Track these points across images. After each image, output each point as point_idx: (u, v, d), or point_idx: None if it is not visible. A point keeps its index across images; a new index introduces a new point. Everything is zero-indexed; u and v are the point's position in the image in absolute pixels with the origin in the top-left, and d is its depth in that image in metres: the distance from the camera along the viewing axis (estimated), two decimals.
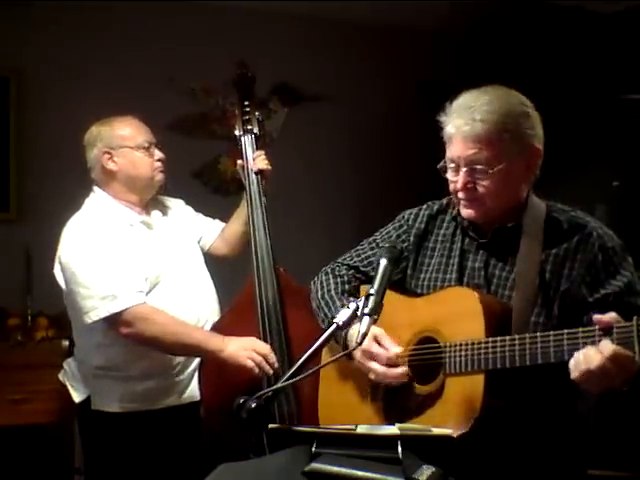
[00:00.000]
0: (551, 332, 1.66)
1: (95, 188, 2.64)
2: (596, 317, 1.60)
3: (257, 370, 2.38)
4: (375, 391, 1.96)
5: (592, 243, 1.84)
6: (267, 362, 2.39)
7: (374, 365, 1.87)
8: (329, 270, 2.17)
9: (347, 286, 2.10)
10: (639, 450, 3.36)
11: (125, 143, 2.59)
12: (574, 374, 1.60)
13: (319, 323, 2.09)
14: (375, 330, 1.86)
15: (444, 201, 2.08)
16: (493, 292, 1.89)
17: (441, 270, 1.99)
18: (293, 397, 2.41)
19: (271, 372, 2.39)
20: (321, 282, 2.15)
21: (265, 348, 2.42)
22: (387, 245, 1.85)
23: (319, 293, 2.12)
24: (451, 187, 1.91)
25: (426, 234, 2.04)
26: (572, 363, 1.60)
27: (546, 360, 1.66)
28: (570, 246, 1.85)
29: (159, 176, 2.65)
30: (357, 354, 1.90)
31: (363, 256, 2.14)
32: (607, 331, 1.57)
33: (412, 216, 2.09)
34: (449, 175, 1.90)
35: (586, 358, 1.57)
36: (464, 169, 1.84)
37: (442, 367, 1.81)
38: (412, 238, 2.05)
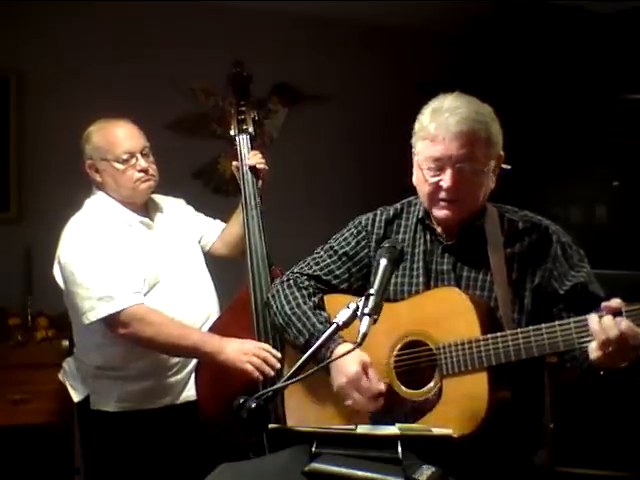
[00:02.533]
0: (556, 322, 1.71)
1: (95, 190, 2.64)
2: (604, 304, 1.65)
3: (257, 374, 2.36)
4: None
5: (550, 238, 1.91)
6: (267, 364, 2.38)
7: (357, 396, 1.83)
8: (291, 282, 2.09)
9: (314, 298, 2.05)
10: (639, 450, 3.36)
11: (104, 156, 2.56)
12: (594, 345, 1.63)
13: (289, 339, 2.02)
14: (362, 356, 1.84)
15: (398, 206, 2.09)
16: None
17: (407, 275, 1.98)
18: None
19: (272, 374, 2.37)
20: (285, 296, 2.07)
21: (264, 350, 2.40)
22: (387, 245, 1.83)
23: (286, 308, 2.04)
24: (428, 189, 1.89)
25: (385, 239, 2.01)
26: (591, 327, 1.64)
27: (555, 349, 1.71)
28: (531, 243, 1.91)
29: (142, 186, 2.59)
30: (341, 380, 1.85)
31: (322, 265, 2.09)
32: (617, 315, 1.63)
33: (369, 222, 2.08)
34: (427, 176, 1.88)
35: (604, 328, 1.62)
36: (452, 168, 1.84)
37: (437, 369, 1.81)
38: (373, 244, 2.04)
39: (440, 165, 1.85)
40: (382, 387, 1.84)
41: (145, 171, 2.58)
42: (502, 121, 1.93)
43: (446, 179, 1.85)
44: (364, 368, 1.84)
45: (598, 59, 3.93)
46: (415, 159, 1.95)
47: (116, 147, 2.56)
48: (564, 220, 3.91)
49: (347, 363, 1.82)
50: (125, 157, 2.55)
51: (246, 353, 2.38)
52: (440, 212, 1.90)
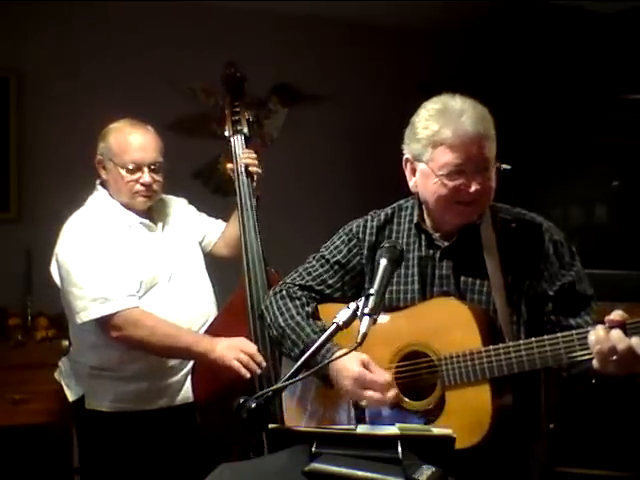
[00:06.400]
0: (559, 334, 1.69)
1: (98, 186, 2.63)
2: (607, 318, 1.62)
3: (243, 370, 2.36)
4: (360, 413, 1.91)
5: (542, 237, 1.89)
6: (254, 361, 2.38)
7: (369, 393, 1.82)
8: (284, 293, 2.05)
9: (308, 308, 2.01)
10: (639, 450, 3.36)
11: (112, 158, 2.54)
12: (593, 357, 1.62)
13: (285, 351, 2.00)
14: (361, 356, 1.82)
15: (388, 211, 2.05)
16: (462, 298, 1.89)
17: (401, 282, 1.95)
18: None
19: (259, 371, 2.37)
20: (279, 307, 2.03)
21: (252, 347, 2.41)
22: (387, 245, 1.80)
23: (280, 319, 2.00)
24: (446, 193, 1.82)
25: (378, 246, 1.94)
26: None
27: (557, 361, 1.70)
28: (524, 243, 1.89)
29: (139, 199, 2.56)
30: (346, 383, 1.84)
31: (315, 274, 2.05)
32: (620, 328, 1.61)
33: (360, 228, 2.03)
34: (445, 181, 1.81)
35: (598, 340, 1.60)
36: (475, 171, 1.80)
37: (439, 380, 1.80)
38: (365, 252, 2.01)
39: (461, 169, 1.80)
40: (389, 377, 1.82)
41: (147, 186, 2.55)
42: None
43: (472, 183, 1.80)
44: (365, 365, 1.83)
45: (598, 59, 3.93)
46: (420, 166, 1.88)
47: (125, 154, 2.53)
48: (564, 220, 3.92)
49: (348, 366, 1.82)
50: (131, 167, 2.52)
51: (233, 349, 2.38)
52: (457, 217, 1.86)
